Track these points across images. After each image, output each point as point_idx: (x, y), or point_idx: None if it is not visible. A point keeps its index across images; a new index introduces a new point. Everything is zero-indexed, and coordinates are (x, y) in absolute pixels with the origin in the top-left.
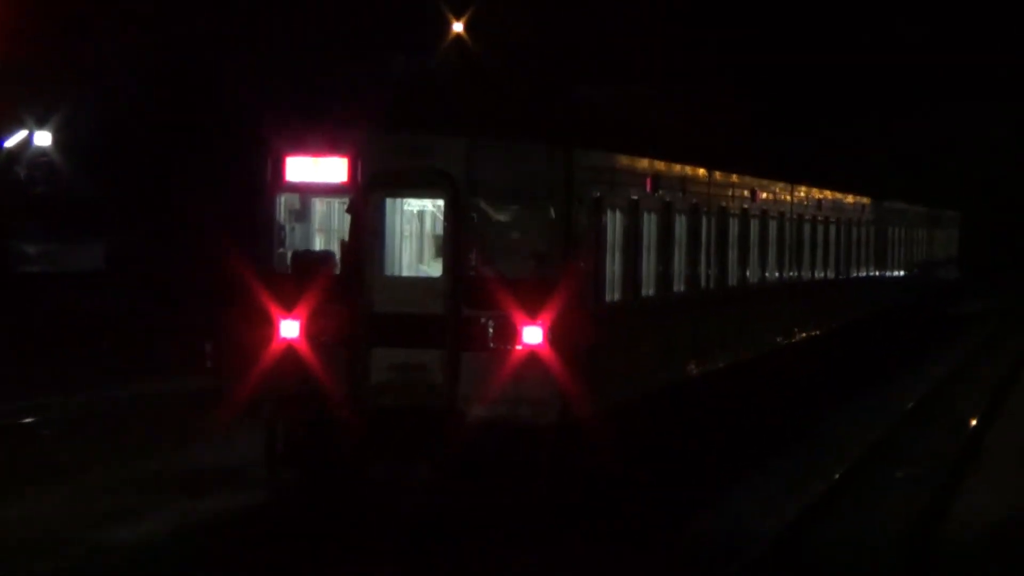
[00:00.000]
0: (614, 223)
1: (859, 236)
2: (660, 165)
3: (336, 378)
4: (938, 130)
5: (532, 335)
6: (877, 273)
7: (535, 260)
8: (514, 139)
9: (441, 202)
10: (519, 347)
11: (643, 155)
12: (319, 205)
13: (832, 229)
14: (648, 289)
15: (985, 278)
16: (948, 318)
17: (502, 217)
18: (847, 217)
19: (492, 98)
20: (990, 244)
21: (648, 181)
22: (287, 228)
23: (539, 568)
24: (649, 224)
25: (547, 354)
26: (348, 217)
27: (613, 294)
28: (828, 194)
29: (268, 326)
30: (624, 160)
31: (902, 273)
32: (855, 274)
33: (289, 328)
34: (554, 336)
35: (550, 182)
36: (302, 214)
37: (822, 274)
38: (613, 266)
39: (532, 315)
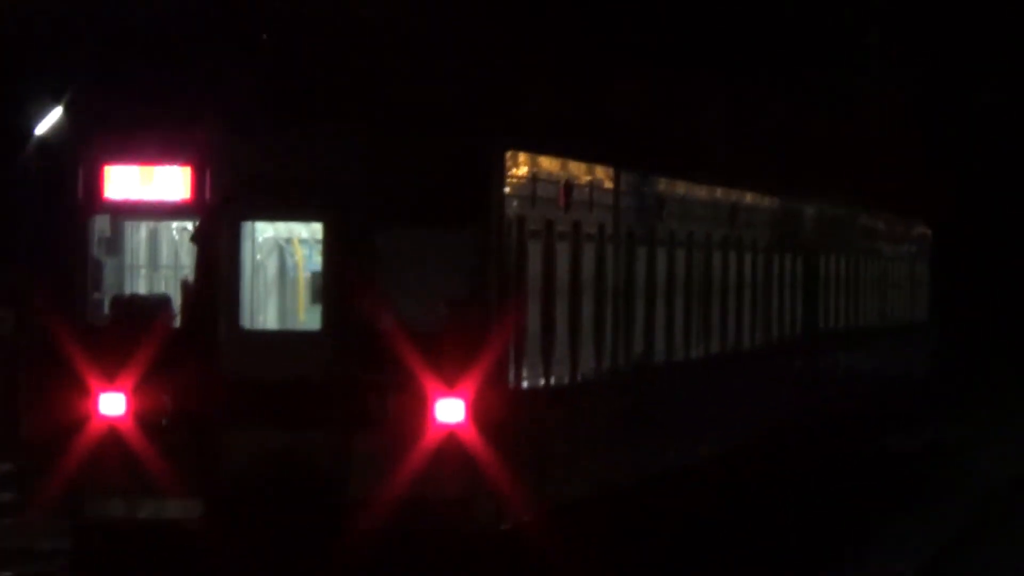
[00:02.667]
0: (568, 254)
1: (760, 270)
2: (632, 177)
3: (177, 470)
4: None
5: (450, 410)
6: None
7: (452, 305)
8: (424, 133)
9: (319, 226)
10: (432, 427)
11: (609, 162)
12: (140, 231)
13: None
14: (609, 347)
15: (972, 357)
16: (895, 456)
17: (407, 245)
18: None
19: (392, 83)
20: (976, 281)
21: (613, 196)
22: (106, 263)
23: None
24: (619, 256)
25: (470, 436)
26: (191, 248)
27: (562, 352)
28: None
29: (82, 399)
30: (581, 168)
31: (836, 350)
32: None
33: (111, 403)
34: (479, 412)
35: (476, 195)
36: (116, 243)
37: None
38: (564, 314)
39: (450, 383)
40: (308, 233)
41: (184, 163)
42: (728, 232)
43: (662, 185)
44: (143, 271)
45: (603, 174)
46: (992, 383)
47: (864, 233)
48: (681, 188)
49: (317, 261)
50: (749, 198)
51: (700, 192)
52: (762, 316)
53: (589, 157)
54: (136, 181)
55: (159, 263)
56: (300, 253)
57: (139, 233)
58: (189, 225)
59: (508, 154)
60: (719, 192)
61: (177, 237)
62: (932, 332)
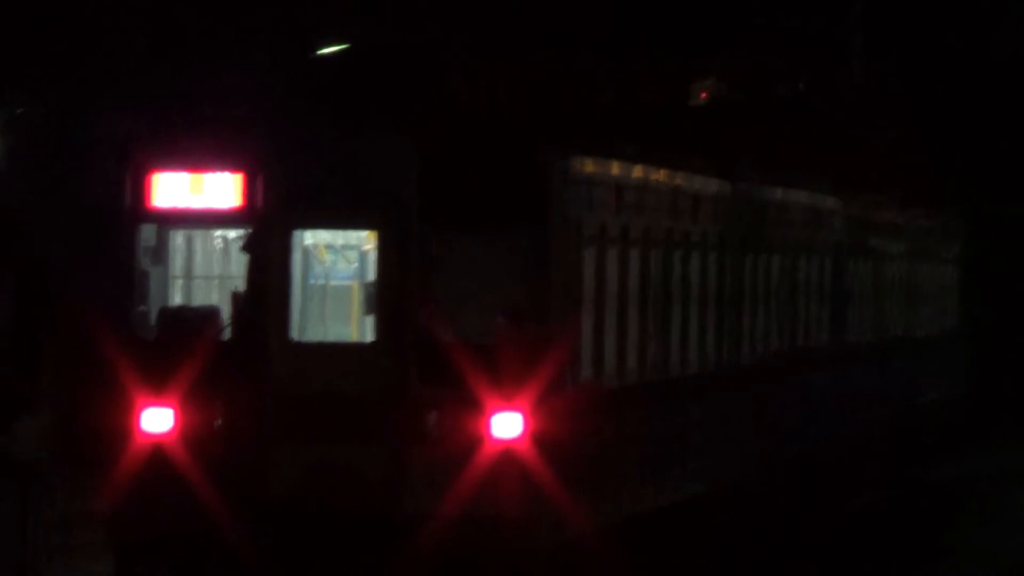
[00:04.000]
0: (630, 261)
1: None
2: (716, 182)
3: (226, 488)
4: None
5: (507, 425)
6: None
7: (511, 315)
8: (483, 140)
9: (373, 235)
10: (489, 442)
11: (688, 167)
12: (178, 240)
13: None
14: (674, 356)
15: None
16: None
17: (463, 254)
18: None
19: (443, 88)
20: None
21: (701, 203)
22: (152, 273)
23: None
24: (685, 262)
25: (528, 452)
26: (239, 258)
27: (624, 363)
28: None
29: (126, 415)
30: (643, 172)
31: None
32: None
33: (157, 419)
34: (537, 426)
35: (534, 202)
36: (161, 252)
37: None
38: (623, 323)
39: (507, 396)
40: (358, 241)
41: (235, 170)
42: (777, 233)
43: (716, 187)
44: (188, 281)
45: (660, 176)
46: None
47: (891, 229)
48: (728, 188)
49: (369, 270)
50: (780, 195)
51: (751, 192)
52: (789, 326)
53: (645, 160)
54: (185, 189)
55: (207, 273)
56: (352, 262)
57: (185, 242)
58: (231, 234)
59: (565, 160)
60: (781, 193)
61: (221, 246)
62: (965, 342)
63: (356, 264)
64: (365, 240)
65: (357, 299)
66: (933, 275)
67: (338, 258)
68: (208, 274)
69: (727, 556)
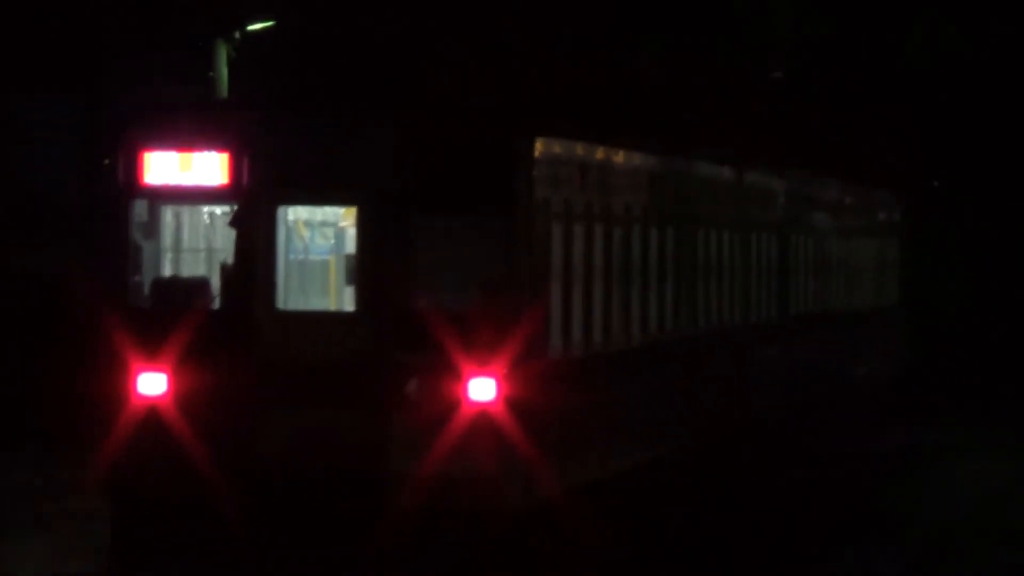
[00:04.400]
0: (596, 238)
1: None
2: (672, 161)
3: (216, 449)
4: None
5: (482, 389)
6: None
7: (484, 288)
8: (456, 124)
9: (349, 212)
10: (465, 405)
11: (645, 147)
12: (168, 216)
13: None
14: (635, 327)
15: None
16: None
17: (440, 230)
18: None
19: (423, 75)
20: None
21: (656, 181)
22: (144, 247)
23: None
24: (644, 238)
25: (502, 415)
26: (223, 232)
27: (590, 333)
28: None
29: (122, 379)
30: (619, 154)
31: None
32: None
33: (151, 383)
34: (511, 390)
35: (505, 181)
36: (153, 227)
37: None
38: (590, 295)
39: (482, 362)
40: (338, 215)
41: (222, 149)
42: (725, 210)
43: (667, 165)
44: (178, 254)
45: (622, 157)
46: (970, 378)
47: (832, 206)
48: (683, 167)
49: (350, 243)
50: (728, 174)
51: (703, 171)
52: (740, 299)
53: (609, 142)
54: (175, 167)
55: (195, 246)
56: (333, 235)
57: (174, 216)
58: (217, 209)
59: (535, 142)
60: (723, 171)
61: (208, 221)
62: (903, 318)
63: (332, 240)
64: (341, 217)
65: (334, 272)
66: (874, 251)
67: (316, 234)
68: (195, 247)
69: (676, 518)
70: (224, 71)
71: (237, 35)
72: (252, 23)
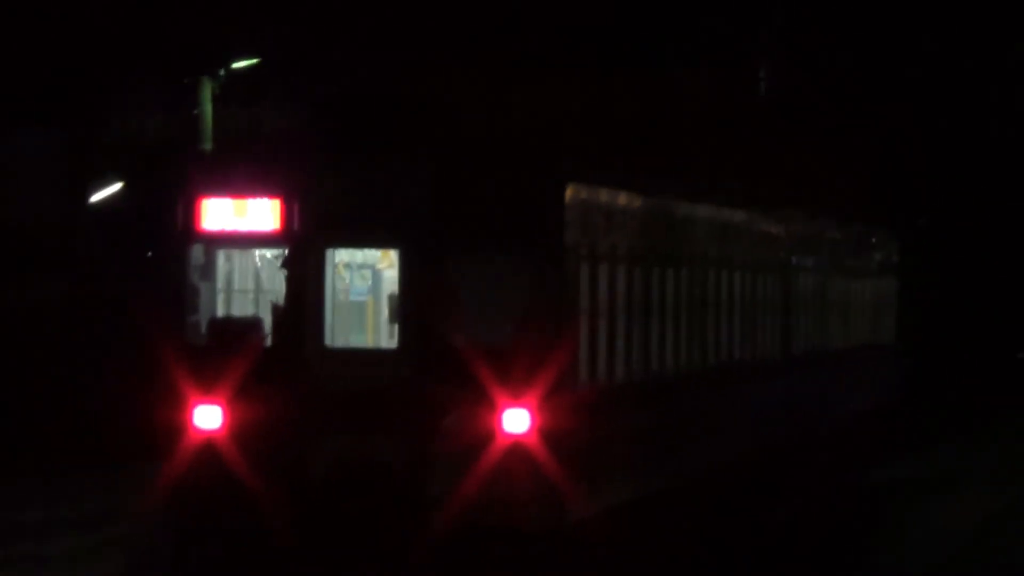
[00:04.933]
0: (616, 276)
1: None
2: (686, 206)
3: (270, 477)
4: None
5: (516, 420)
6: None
7: (518, 325)
8: (495, 167)
9: (386, 254)
10: (500, 435)
11: (663, 192)
12: (223, 259)
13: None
14: (672, 358)
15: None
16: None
17: (476, 270)
18: None
19: (461, 123)
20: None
21: (674, 225)
22: (201, 288)
23: None
24: (661, 278)
25: (535, 444)
26: (278, 274)
27: (613, 366)
28: None
29: (180, 412)
30: (639, 199)
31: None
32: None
33: (207, 416)
34: (543, 421)
35: (539, 224)
36: (208, 270)
37: None
38: (617, 331)
39: (516, 395)
40: (380, 257)
41: (274, 196)
42: (733, 251)
43: (684, 209)
44: (233, 295)
45: (641, 203)
46: (961, 411)
47: (832, 247)
48: (693, 211)
49: (391, 283)
50: (736, 216)
51: (712, 214)
52: (747, 335)
53: (635, 187)
54: (230, 213)
55: (245, 286)
56: (375, 276)
57: (229, 260)
58: (267, 253)
59: (567, 187)
60: (733, 214)
61: (259, 264)
62: (900, 355)
63: (370, 281)
64: (379, 259)
65: (371, 311)
66: (872, 289)
67: (354, 275)
68: (244, 287)
69: (685, 545)
70: (208, 107)
71: (222, 72)
72: (237, 60)
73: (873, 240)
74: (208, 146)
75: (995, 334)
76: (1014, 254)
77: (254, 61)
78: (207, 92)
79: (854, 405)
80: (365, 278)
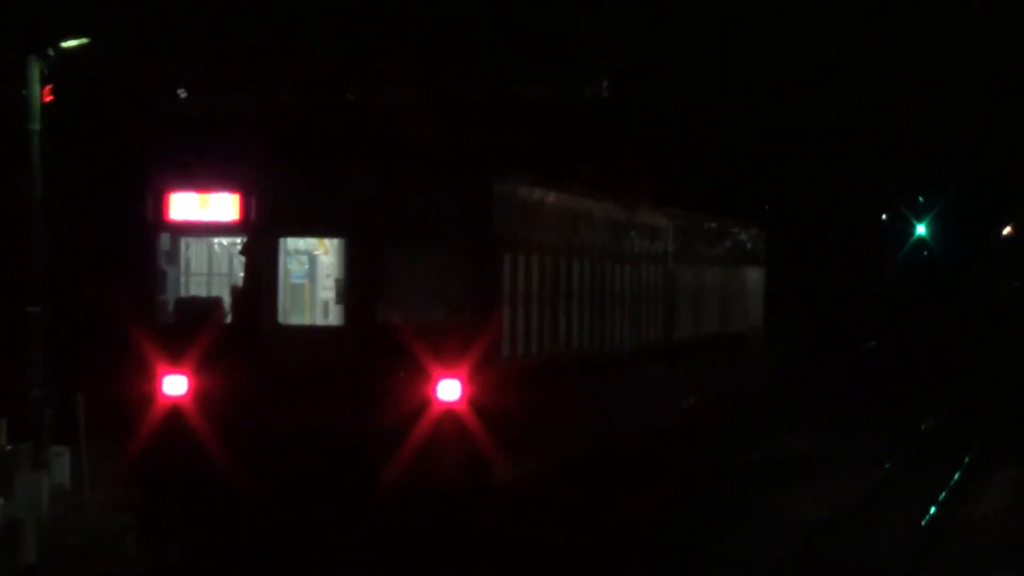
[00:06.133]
0: (538, 265)
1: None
2: (588, 202)
3: (229, 442)
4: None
5: (449, 390)
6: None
7: (451, 307)
8: (430, 170)
9: (339, 241)
10: (435, 403)
11: (570, 190)
12: (185, 246)
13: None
14: (577, 340)
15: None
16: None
17: (414, 258)
18: None
19: (400, 124)
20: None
21: (578, 219)
22: (168, 272)
23: None
24: (580, 268)
25: (465, 411)
26: (229, 259)
27: (538, 344)
28: None
29: (149, 382)
30: (552, 196)
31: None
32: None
33: (174, 384)
34: (473, 391)
35: (470, 219)
36: (173, 256)
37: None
38: (537, 314)
39: (449, 368)
40: (327, 245)
41: (233, 191)
42: (625, 245)
43: (586, 204)
44: (196, 278)
45: (555, 200)
46: (821, 393)
47: (708, 237)
48: (595, 208)
49: (336, 268)
50: (626, 214)
51: (610, 212)
52: (634, 321)
53: (554, 185)
54: (195, 205)
55: (209, 271)
56: (322, 261)
57: (191, 247)
58: (225, 240)
59: (493, 186)
60: (624, 211)
61: (218, 250)
62: (767, 340)
63: (307, 266)
64: (315, 246)
65: (307, 293)
66: (744, 279)
67: (293, 260)
68: (202, 271)
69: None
70: (36, 88)
71: (51, 52)
72: (67, 40)
73: (744, 233)
74: (36, 127)
75: (844, 326)
76: (862, 249)
77: (85, 41)
78: (35, 73)
79: (729, 387)
80: (302, 263)
